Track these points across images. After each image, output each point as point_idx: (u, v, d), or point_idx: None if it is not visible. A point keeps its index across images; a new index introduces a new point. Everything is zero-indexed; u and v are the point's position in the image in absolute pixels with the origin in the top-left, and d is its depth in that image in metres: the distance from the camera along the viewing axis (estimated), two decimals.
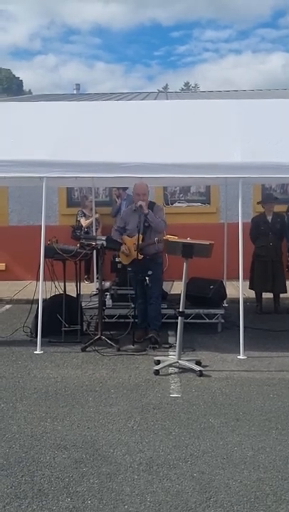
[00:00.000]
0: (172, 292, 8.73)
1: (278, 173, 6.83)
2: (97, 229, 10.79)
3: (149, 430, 4.59)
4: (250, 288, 9.21)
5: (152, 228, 7.18)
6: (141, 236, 7.01)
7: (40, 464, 3.99)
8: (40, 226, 7.08)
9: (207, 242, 6.14)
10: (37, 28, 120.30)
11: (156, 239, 6.92)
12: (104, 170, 7.05)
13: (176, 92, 25.29)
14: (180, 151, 7.04)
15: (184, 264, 6.24)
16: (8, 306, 9.91)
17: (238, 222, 6.80)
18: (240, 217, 6.75)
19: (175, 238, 6.33)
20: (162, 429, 4.61)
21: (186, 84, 63.81)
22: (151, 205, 7.43)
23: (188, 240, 6.21)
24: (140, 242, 6.99)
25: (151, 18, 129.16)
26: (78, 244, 7.40)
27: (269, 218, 9.04)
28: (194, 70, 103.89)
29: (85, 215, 11.39)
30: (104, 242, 7.06)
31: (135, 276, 7.27)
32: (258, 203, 9.59)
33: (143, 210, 7.05)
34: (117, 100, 14.41)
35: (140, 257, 7.04)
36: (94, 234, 10.08)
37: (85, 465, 3.98)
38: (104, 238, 7.15)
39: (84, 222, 11.28)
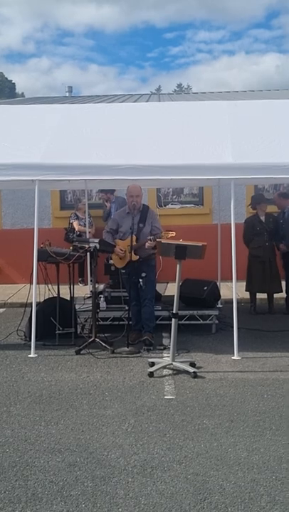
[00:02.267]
0: (166, 294, 8.74)
1: (270, 174, 6.84)
2: (90, 231, 10.77)
3: (144, 432, 4.58)
4: (247, 290, 9.20)
5: (145, 231, 7.19)
6: (134, 237, 7.01)
7: (34, 468, 3.98)
8: (33, 229, 7.06)
9: (200, 244, 6.14)
10: (30, 30, 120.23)
11: (151, 237, 6.88)
12: (97, 172, 7.05)
13: (168, 94, 25.28)
14: (172, 153, 7.04)
15: (177, 265, 6.24)
16: (1, 310, 9.88)
17: (230, 223, 6.81)
18: (232, 218, 6.75)
19: (173, 234, 6.36)
20: (156, 431, 4.61)
21: (179, 85, 63.93)
22: (145, 208, 7.42)
23: (181, 242, 6.21)
24: (134, 243, 6.99)
25: (144, 20, 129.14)
26: (71, 247, 7.38)
27: (263, 218, 9.06)
28: (188, 72, 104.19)
29: (78, 218, 11.38)
30: (97, 245, 7.04)
31: (129, 279, 7.25)
32: (249, 205, 9.56)
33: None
34: (109, 102, 14.43)
35: (135, 258, 7.03)
36: (87, 237, 10.07)
37: (79, 468, 3.97)
38: (97, 241, 7.13)
39: (76, 225, 11.28)
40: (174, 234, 6.65)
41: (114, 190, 11.06)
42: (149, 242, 6.88)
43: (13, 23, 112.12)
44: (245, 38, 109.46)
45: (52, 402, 5.29)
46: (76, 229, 11.18)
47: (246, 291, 9.26)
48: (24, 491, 3.66)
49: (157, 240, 6.60)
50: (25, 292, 7.83)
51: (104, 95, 20.66)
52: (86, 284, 10.40)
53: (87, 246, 7.12)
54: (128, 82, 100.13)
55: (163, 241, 6.43)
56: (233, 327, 6.77)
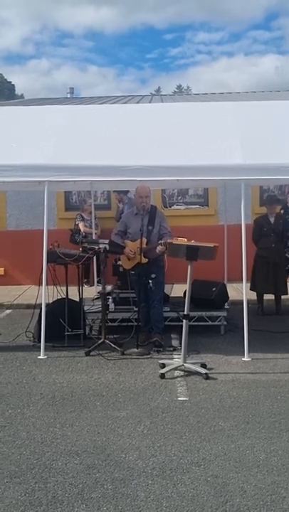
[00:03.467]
0: (173, 295, 8.70)
1: (281, 175, 6.83)
2: (96, 233, 10.74)
3: (160, 434, 4.56)
4: (252, 289, 9.19)
5: (155, 232, 7.17)
6: (145, 240, 6.99)
7: (52, 471, 3.96)
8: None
9: (211, 245, 6.11)
10: (29, 32, 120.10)
11: (162, 242, 6.87)
12: (105, 173, 7.03)
13: (170, 95, 25.28)
14: (181, 154, 7.03)
15: (189, 267, 6.22)
16: (8, 311, 9.84)
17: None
18: (242, 219, 6.74)
19: (184, 240, 6.31)
20: (173, 433, 4.59)
21: (179, 86, 63.92)
22: (153, 209, 7.41)
23: (193, 243, 6.19)
24: (145, 245, 6.96)
25: (143, 22, 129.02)
26: (80, 248, 7.36)
27: (272, 220, 9.05)
28: (187, 73, 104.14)
29: (83, 219, 11.35)
30: (107, 246, 7.02)
31: (138, 280, 7.22)
32: (262, 205, 9.58)
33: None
34: (111, 104, 14.42)
35: (145, 260, 7.02)
36: (93, 237, 10.03)
37: (98, 471, 3.95)
38: (106, 242, 7.10)
39: (82, 226, 11.25)
40: (185, 240, 6.59)
41: (127, 191, 11.05)
42: (160, 246, 6.87)
43: (12, 24, 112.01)
44: (245, 40, 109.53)
45: (65, 404, 5.27)
46: (82, 230, 11.15)
47: (251, 290, 9.24)
48: (44, 493, 3.64)
49: (168, 240, 6.58)
50: (31, 293, 7.82)
51: (105, 96, 20.62)
52: (92, 285, 10.37)
53: (96, 247, 7.09)
54: (127, 83, 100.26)
55: (174, 242, 6.40)
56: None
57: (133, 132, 7.59)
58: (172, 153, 7.07)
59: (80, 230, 11.27)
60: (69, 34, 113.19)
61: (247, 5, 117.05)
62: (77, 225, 11.37)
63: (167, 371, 6.11)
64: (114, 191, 11.50)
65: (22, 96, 52.93)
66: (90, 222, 10.95)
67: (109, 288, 8.15)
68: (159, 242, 6.91)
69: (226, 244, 9.44)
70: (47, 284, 6.98)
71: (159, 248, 6.88)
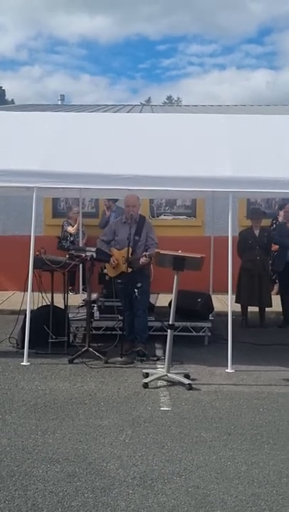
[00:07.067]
0: (158, 305, 8.71)
1: (268, 188, 6.89)
2: (83, 239, 10.74)
3: (142, 444, 4.55)
4: (237, 301, 9.23)
5: (142, 242, 7.19)
6: (130, 249, 7.00)
7: (33, 478, 3.93)
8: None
9: (198, 255, 6.14)
10: (24, 39, 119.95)
11: (147, 253, 6.90)
12: (95, 181, 7.03)
13: (160, 106, 25.40)
14: (171, 164, 7.06)
15: (175, 277, 6.24)
16: None
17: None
18: (229, 231, 6.78)
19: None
20: (154, 442, 4.58)
21: (169, 97, 64.14)
22: (142, 219, 7.43)
23: (180, 253, 6.21)
24: (130, 255, 6.97)
25: (137, 32, 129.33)
26: (67, 255, 7.35)
27: (256, 232, 9.11)
28: (179, 84, 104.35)
29: (70, 225, 11.35)
30: (94, 254, 7.02)
31: (124, 289, 7.22)
32: (246, 217, 9.66)
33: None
34: (102, 112, 14.48)
35: (129, 270, 7.02)
36: (80, 245, 10.02)
37: (79, 479, 3.93)
38: (93, 250, 7.11)
39: (71, 229, 11.24)
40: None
41: (116, 200, 11.08)
42: (144, 258, 6.90)
43: (6, 30, 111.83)
44: (237, 53, 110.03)
45: (47, 411, 5.24)
46: (72, 232, 11.15)
47: (236, 302, 9.28)
48: (24, 500, 3.61)
49: (155, 250, 6.60)
50: (15, 299, 7.77)
51: (96, 105, 20.66)
52: (77, 293, 10.34)
53: (83, 255, 7.09)
54: (119, 92, 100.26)
55: (161, 252, 6.42)
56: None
57: (124, 141, 7.62)
58: (162, 163, 7.10)
59: (67, 236, 11.27)
60: (63, 42, 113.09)
61: (241, 19, 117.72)
62: (66, 230, 11.36)
63: (150, 381, 6.11)
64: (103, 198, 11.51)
65: (12, 101, 52.85)
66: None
67: (94, 296, 8.14)
68: (144, 254, 6.93)
69: (212, 255, 9.49)
70: (32, 291, 6.97)
71: (142, 260, 6.91)
